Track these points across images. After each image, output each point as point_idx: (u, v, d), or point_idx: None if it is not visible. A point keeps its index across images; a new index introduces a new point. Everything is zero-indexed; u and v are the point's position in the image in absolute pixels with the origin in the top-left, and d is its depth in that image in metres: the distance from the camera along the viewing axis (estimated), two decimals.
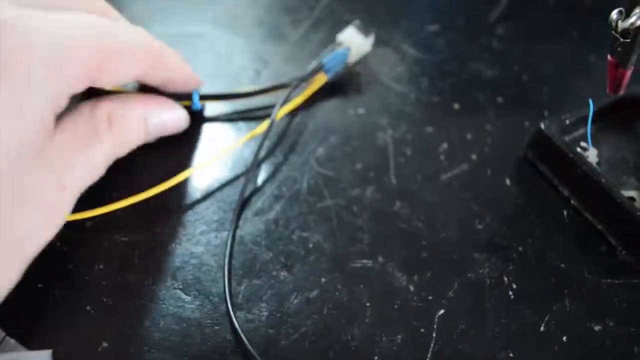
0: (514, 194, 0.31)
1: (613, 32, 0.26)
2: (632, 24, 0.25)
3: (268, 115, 0.31)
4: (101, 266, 0.25)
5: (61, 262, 0.25)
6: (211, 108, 0.32)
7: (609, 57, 0.28)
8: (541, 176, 0.32)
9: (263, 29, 0.38)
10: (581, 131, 0.33)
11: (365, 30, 0.34)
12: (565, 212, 0.30)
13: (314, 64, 0.33)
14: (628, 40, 0.26)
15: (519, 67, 0.38)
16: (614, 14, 0.26)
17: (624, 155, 0.33)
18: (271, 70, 0.35)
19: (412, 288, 0.26)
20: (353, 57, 0.34)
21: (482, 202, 0.30)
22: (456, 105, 0.35)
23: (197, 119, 0.31)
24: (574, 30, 0.41)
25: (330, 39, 0.36)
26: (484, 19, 0.41)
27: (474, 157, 0.32)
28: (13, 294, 0.20)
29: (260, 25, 0.39)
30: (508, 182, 0.31)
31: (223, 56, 0.36)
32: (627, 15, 0.25)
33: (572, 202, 0.31)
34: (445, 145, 0.32)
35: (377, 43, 0.36)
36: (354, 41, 0.34)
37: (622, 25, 0.25)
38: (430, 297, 0.26)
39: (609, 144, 0.33)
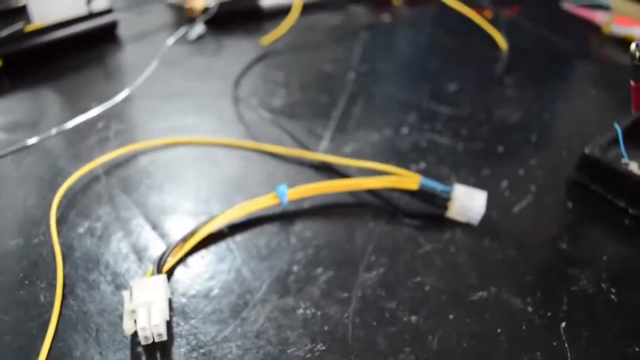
0: (578, 214, 0.34)
1: (633, 61, 0.31)
2: None
3: None
4: None
5: None
6: None
7: (632, 82, 0.32)
8: (595, 194, 0.35)
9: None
10: (615, 151, 0.37)
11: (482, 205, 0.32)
12: (626, 221, 0.33)
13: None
14: None
15: (537, 108, 0.42)
16: (633, 47, 0.31)
17: None
18: None
19: (529, 308, 0.28)
20: (452, 209, 0.32)
21: (557, 226, 0.33)
22: (500, 148, 0.38)
23: None
24: (565, 72, 0.47)
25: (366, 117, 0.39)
26: (492, 74, 0.46)
27: (533, 188, 0.35)
28: None
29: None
30: (570, 204, 0.34)
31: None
32: None
33: (630, 211, 0.34)
34: (505, 183, 0.35)
35: (409, 107, 0.40)
36: (464, 202, 0.32)
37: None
38: (549, 314, 0.28)
39: None
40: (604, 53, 0.52)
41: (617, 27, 0.53)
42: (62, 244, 0.30)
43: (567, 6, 0.59)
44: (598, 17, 0.56)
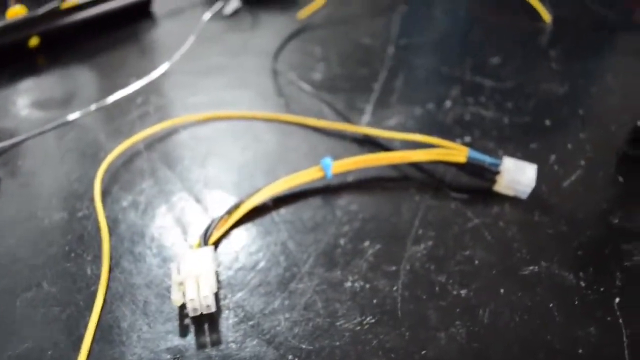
0: (629, 189, 0.32)
1: None
2: None
3: None
4: None
5: None
6: None
7: None
8: None
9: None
10: None
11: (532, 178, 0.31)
12: None
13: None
14: None
15: (583, 82, 0.41)
16: None
17: None
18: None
19: (581, 283, 0.27)
20: (501, 183, 0.31)
21: (608, 201, 0.31)
22: (547, 122, 0.37)
23: None
24: (611, 44, 0.45)
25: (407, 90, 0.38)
26: (536, 46, 0.45)
27: (582, 163, 0.34)
28: None
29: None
30: (621, 179, 0.33)
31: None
32: None
33: None
34: (553, 157, 0.34)
35: (451, 80, 0.39)
36: (513, 175, 0.31)
37: None
38: (603, 289, 0.27)
39: None
40: None
41: None
42: (106, 218, 0.30)
43: None
44: None
